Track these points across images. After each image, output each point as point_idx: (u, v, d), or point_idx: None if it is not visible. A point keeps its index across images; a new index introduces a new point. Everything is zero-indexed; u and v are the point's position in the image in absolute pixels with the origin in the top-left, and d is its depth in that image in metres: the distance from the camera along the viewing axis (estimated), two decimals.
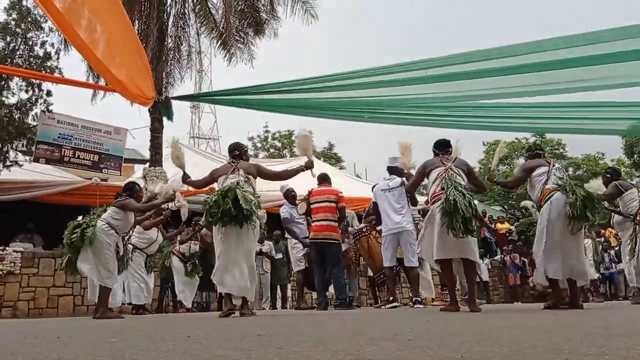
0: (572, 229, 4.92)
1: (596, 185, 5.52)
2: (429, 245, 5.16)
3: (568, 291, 5.35)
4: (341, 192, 7.60)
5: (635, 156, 24.63)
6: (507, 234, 14.82)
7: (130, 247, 7.75)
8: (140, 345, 2.35)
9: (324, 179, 7.63)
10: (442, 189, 4.93)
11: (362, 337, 2.40)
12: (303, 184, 9.85)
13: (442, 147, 5.42)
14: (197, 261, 9.11)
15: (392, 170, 7.10)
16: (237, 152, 5.61)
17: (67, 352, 2.13)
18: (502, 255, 14.07)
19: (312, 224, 7.37)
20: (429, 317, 3.96)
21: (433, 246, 5.05)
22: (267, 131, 32.27)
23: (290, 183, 9.02)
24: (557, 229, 5.00)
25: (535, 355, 1.72)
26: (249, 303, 5.39)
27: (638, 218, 6.32)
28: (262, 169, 5.61)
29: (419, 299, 6.97)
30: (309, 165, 5.53)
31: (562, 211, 4.95)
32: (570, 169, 30.13)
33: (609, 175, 6.96)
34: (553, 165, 5.35)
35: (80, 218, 6.82)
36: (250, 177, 5.34)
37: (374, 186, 7.50)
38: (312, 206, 7.37)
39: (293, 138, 31.78)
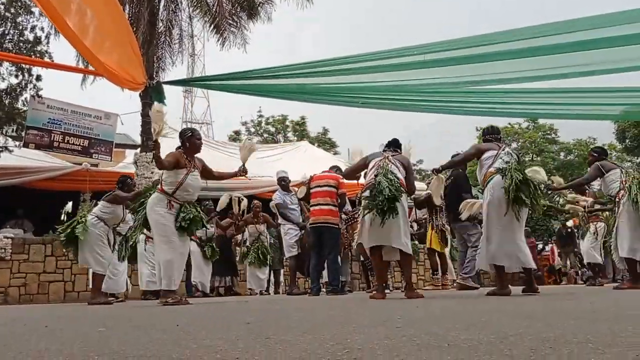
0: (511, 213, 4.88)
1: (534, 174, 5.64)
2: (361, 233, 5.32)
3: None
4: (342, 178, 7.61)
5: (627, 141, 24.75)
6: None
7: (142, 236, 8.08)
8: (128, 334, 2.35)
9: (333, 168, 7.75)
10: (375, 176, 5.05)
11: (351, 324, 2.41)
12: (297, 169, 9.88)
13: (390, 145, 5.63)
14: (214, 245, 9.41)
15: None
16: (180, 139, 5.52)
17: (54, 342, 2.13)
18: None
19: (312, 209, 7.36)
20: (419, 303, 3.98)
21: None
22: (260, 116, 32.13)
23: (286, 168, 9.08)
24: (496, 213, 4.97)
25: (520, 342, 1.73)
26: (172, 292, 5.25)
27: (617, 199, 6.20)
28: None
29: (387, 284, 7.05)
30: None
31: (500, 195, 4.91)
32: (562, 154, 30.28)
33: (596, 155, 6.76)
34: (503, 149, 5.30)
35: (70, 205, 6.96)
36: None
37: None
38: (312, 191, 7.36)
39: (287, 123, 31.73)
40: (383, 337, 1.92)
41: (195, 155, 5.58)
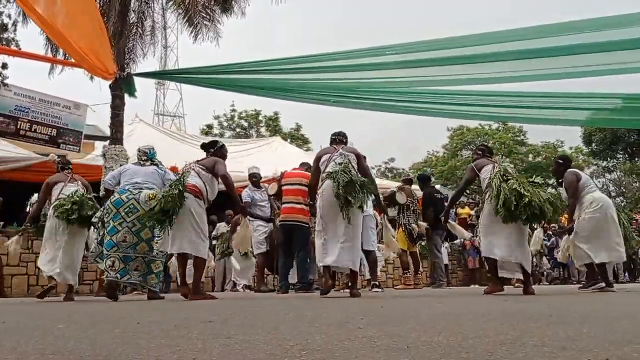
0: (342, 215, 4.99)
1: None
2: None
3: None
4: None
5: (594, 144, 25.35)
6: (468, 219, 15.14)
7: None
8: (87, 331, 2.31)
9: (303, 165, 7.72)
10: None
11: (314, 324, 2.42)
12: (269, 165, 9.83)
13: (205, 147, 5.93)
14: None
15: None
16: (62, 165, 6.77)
17: (9, 339, 2.08)
18: (462, 239, 14.35)
19: (283, 206, 7.36)
20: (384, 303, 4.01)
21: None
22: (233, 110, 31.93)
23: (258, 163, 9.05)
24: (328, 217, 5.10)
25: (478, 345, 1.76)
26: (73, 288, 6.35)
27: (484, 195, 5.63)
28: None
29: (377, 283, 7.09)
30: None
31: (330, 198, 5.03)
32: (531, 156, 30.88)
33: (479, 153, 6.01)
34: (337, 152, 5.37)
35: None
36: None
37: None
38: (283, 188, 7.36)
39: (260, 118, 31.59)
40: (343, 338, 1.93)
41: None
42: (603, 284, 6.08)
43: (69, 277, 6.22)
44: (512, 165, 5.66)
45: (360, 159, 5.39)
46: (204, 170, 5.44)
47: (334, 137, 5.73)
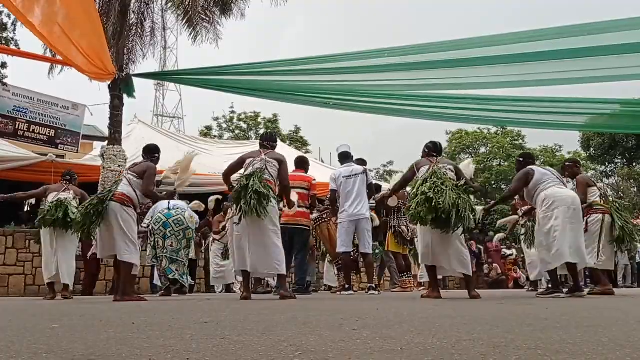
0: (246, 221, 5.10)
1: None
2: None
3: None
4: (314, 180, 7.60)
5: (592, 149, 25.39)
6: None
7: (210, 238, 9.71)
8: (81, 331, 2.31)
9: (301, 163, 7.63)
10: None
11: (309, 326, 2.42)
12: None
13: (146, 152, 6.18)
14: None
15: (347, 156, 7.16)
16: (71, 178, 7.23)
17: (3, 338, 2.08)
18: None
19: (284, 209, 7.35)
20: (379, 306, 4.00)
21: None
22: (232, 112, 31.88)
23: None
24: (242, 223, 5.17)
25: (472, 347, 1.76)
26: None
27: None
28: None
29: (373, 286, 7.09)
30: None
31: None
32: None
33: (425, 151, 5.69)
34: (258, 156, 5.42)
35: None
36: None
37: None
38: None
39: (259, 120, 31.57)
40: (338, 340, 1.93)
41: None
42: (562, 295, 5.49)
43: (65, 278, 6.84)
44: (450, 167, 5.42)
45: (281, 164, 5.46)
46: (136, 177, 5.71)
47: (260, 142, 5.79)
